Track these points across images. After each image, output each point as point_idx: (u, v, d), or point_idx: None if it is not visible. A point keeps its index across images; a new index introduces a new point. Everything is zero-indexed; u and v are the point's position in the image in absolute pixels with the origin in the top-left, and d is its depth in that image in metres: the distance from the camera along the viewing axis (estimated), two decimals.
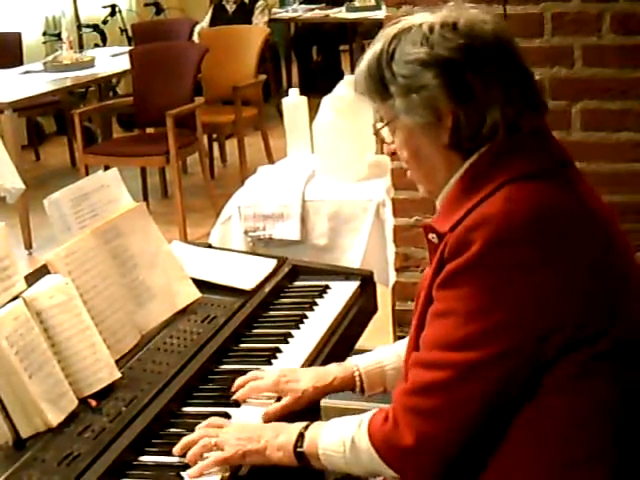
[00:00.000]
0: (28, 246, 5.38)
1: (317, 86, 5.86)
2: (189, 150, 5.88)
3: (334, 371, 1.98)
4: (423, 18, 1.65)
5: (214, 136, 6.88)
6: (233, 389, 1.94)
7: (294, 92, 3.33)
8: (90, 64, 6.48)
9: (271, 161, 6.27)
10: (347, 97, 3.13)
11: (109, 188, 2.28)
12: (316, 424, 1.74)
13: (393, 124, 1.69)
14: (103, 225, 2.17)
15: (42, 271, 2.00)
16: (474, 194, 1.60)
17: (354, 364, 1.99)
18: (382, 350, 2.04)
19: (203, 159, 6.07)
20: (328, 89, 4.55)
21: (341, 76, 9.20)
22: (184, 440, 1.74)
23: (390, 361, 1.99)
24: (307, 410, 1.94)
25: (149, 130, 6.22)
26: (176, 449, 1.73)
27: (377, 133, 1.78)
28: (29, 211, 5.25)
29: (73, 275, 1.98)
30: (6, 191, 3.91)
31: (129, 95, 7.01)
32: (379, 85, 1.66)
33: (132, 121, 7.59)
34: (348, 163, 3.16)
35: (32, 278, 1.95)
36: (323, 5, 9.22)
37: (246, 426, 1.79)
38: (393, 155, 1.75)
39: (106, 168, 6.43)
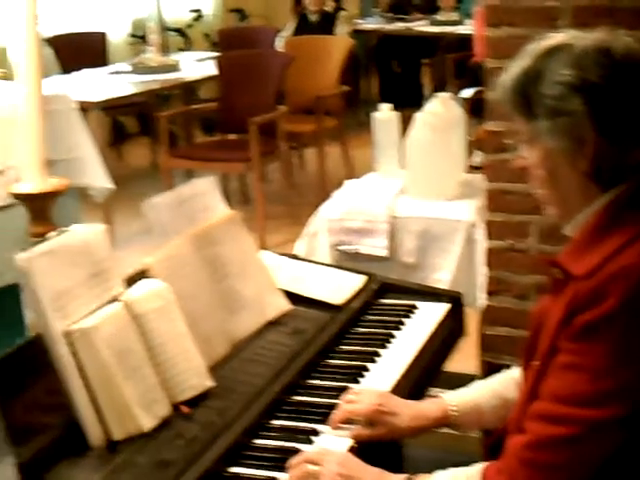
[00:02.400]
0: (112, 243, 5.41)
1: (396, 98, 5.87)
2: (270, 158, 5.90)
3: (430, 412, 1.94)
4: (575, 39, 1.59)
5: (293, 145, 6.89)
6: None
7: (385, 107, 3.32)
8: (175, 67, 6.53)
9: (350, 172, 6.29)
10: (440, 114, 3.12)
11: (205, 195, 2.30)
12: (422, 476, 1.70)
13: (532, 142, 1.64)
14: (199, 232, 2.18)
15: (140, 274, 2.02)
16: (612, 236, 1.55)
17: (450, 402, 1.96)
18: (478, 387, 2.00)
19: (284, 167, 6.09)
20: (407, 102, 4.56)
21: (420, 89, 9.29)
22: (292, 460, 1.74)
23: (487, 401, 1.96)
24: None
25: (231, 136, 6.24)
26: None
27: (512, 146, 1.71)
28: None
29: (170, 280, 1.99)
30: (95, 190, 3.95)
31: (212, 100, 7.06)
32: (524, 103, 1.61)
33: (214, 126, 7.65)
34: (439, 181, 3.14)
35: (130, 281, 1.97)
36: (406, 17, 9.21)
37: (349, 461, 1.74)
38: (523, 170, 1.69)
39: (187, 172, 6.54)
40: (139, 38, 8.29)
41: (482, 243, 2.95)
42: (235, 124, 5.94)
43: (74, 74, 6.44)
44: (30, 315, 3.69)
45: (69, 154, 3.79)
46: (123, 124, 8.10)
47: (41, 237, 3.37)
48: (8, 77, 4.25)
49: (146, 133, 7.93)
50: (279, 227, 5.67)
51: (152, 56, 6.65)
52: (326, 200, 3.30)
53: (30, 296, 1.74)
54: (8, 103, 3.65)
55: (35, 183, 3.36)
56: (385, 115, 3.30)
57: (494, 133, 2.79)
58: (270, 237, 5.50)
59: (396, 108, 3.39)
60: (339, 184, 3.46)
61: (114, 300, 1.86)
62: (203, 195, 2.28)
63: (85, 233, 1.89)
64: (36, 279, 1.72)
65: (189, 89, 7.17)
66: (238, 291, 2.22)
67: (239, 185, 6.51)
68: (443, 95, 3.20)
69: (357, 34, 8.91)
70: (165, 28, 8.59)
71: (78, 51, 7.07)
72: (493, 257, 2.87)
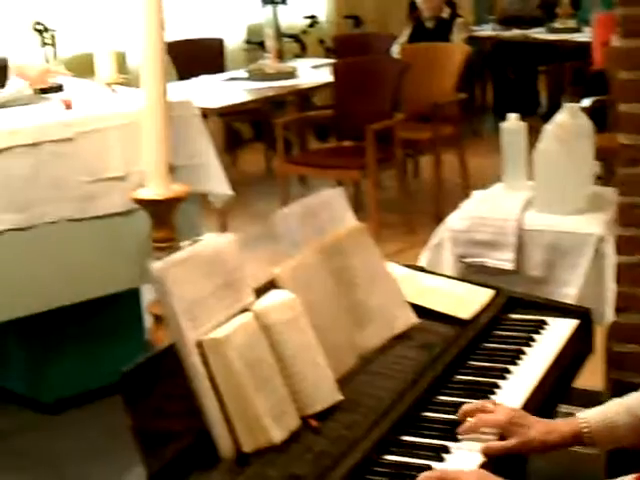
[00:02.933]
0: None
1: (511, 106, 5.79)
2: (385, 165, 5.87)
3: (563, 428, 1.90)
4: None
5: (409, 152, 6.85)
6: (459, 414, 1.90)
7: (513, 117, 3.26)
8: (292, 74, 6.55)
9: (466, 180, 6.23)
10: (569, 125, 3.05)
11: (333, 206, 2.29)
12: None
13: None
14: (327, 243, 2.17)
15: (269, 285, 2.01)
16: None
17: (583, 420, 1.91)
18: (613, 405, 1.95)
19: (398, 174, 6.06)
20: (522, 110, 4.47)
21: (536, 97, 9.15)
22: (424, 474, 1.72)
23: (622, 418, 1.90)
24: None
25: (346, 143, 6.23)
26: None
27: None
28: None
29: (299, 291, 1.98)
30: (215, 196, 3.97)
31: (326, 106, 7.07)
32: None
33: (328, 132, 7.66)
34: (568, 194, 3.06)
35: (260, 291, 1.96)
36: (522, 25, 9.09)
37: (488, 478, 1.72)
38: None
39: (301, 178, 6.57)
40: (255, 44, 8.34)
41: (611, 258, 2.88)
42: (351, 131, 5.94)
43: (192, 80, 6.51)
44: (148, 319, 3.76)
45: (191, 160, 3.82)
46: (238, 130, 8.15)
47: (163, 242, 3.43)
48: (128, 83, 4.31)
49: (260, 139, 7.98)
50: (393, 236, 5.63)
51: (269, 63, 6.68)
52: (441, 209, 3.26)
53: (164, 305, 1.73)
54: (130, 109, 3.70)
55: (158, 189, 3.41)
56: (513, 125, 3.24)
57: (627, 146, 2.72)
58: (384, 245, 5.42)
59: None
60: (454, 192, 3.41)
61: (245, 310, 1.86)
62: (331, 205, 2.27)
63: (217, 243, 1.88)
64: (170, 288, 1.71)
65: (304, 96, 7.18)
66: (366, 303, 2.20)
67: (353, 192, 6.49)
68: (571, 106, 3.12)
69: (471, 41, 8.82)
70: (280, 34, 8.64)
71: (195, 57, 7.13)
72: (622, 272, 2.80)
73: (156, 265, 1.71)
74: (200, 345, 1.73)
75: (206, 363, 1.74)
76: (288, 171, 5.81)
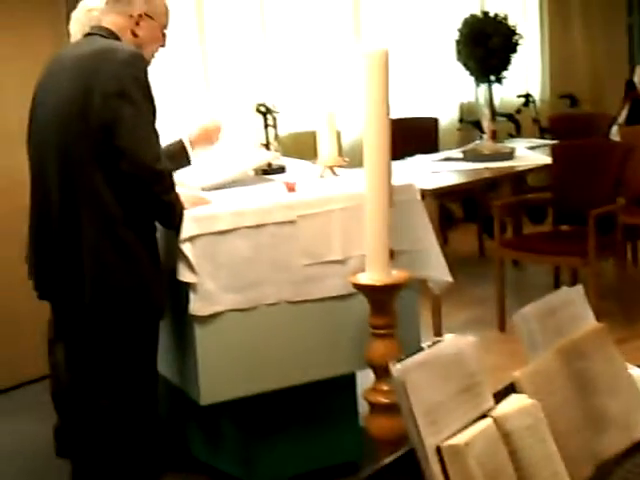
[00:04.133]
0: (438, 333, 5.43)
1: None
2: (607, 252, 5.66)
3: None
4: None
5: (628, 237, 6.60)
6: None
7: None
8: (509, 155, 6.45)
9: None
10: None
11: (574, 305, 2.19)
12: None
13: None
14: (567, 345, 2.06)
15: (508, 388, 1.92)
16: None
17: None
18: None
19: (619, 261, 5.84)
20: None
21: None
22: None
23: None
24: None
25: (563, 227, 6.07)
26: None
27: None
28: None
29: (538, 396, 1.88)
30: (435, 282, 3.90)
31: (540, 187, 6.93)
32: None
33: (543, 215, 7.50)
34: None
35: (498, 395, 1.88)
36: None
37: None
38: None
39: (514, 262, 6.42)
40: (468, 123, 8.30)
41: None
42: (569, 215, 5.78)
43: (407, 160, 6.51)
44: (363, 404, 3.70)
45: (413, 246, 3.78)
46: (450, 209, 8.10)
47: (382, 329, 3.39)
48: (348, 165, 4.33)
49: (472, 219, 7.89)
50: (611, 325, 5.38)
51: (486, 144, 6.61)
52: None
53: (402, 407, 1.67)
54: (352, 192, 3.70)
55: (378, 275, 3.37)
56: None
57: None
58: None
59: None
60: None
61: (484, 416, 1.77)
62: (572, 305, 2.17)
63: (458, 344, 1.81)
64: (411, 391, 1.65)
65: (519, 176, 7.07)
66: (605, 408, 2.08)
67: (568, 277, 6.29)
68: None
69: None
70: (495, 113, 8.58)
71: (410, 136, 7.11)
72: None
73: (396, 366, 1.65)
74: (439, 451, 1.66)
75: (444, 470, 1.66)
76: (502, 254, 5.69)
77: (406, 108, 7.87)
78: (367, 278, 3.39)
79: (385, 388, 3.30)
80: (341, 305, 3.68)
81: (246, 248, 3.53)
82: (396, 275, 3.39)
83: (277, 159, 4.27)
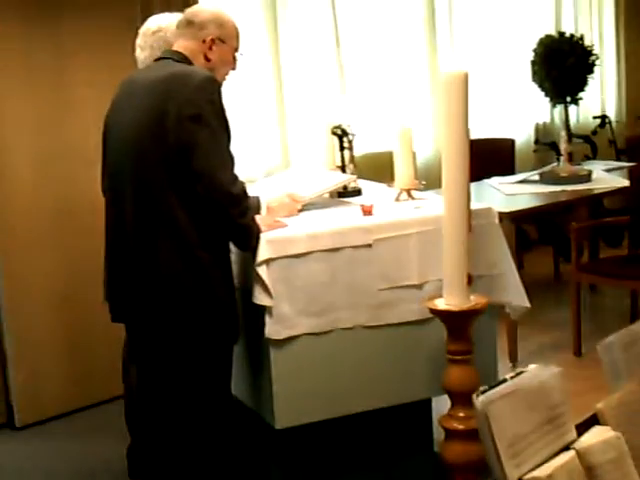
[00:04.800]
0: (513, 358, 5.38)
1: None
2: None
3: None
4: None
5: None
6: None
7: None
8: (587, 178, 6.36)
9: None
10: None
11: None
12: None
13: None
14: None
15: (590, 420, 1.89)
16: None
17: None
18: None
19: None
20: None
21: None
22: None
23: None
24: None
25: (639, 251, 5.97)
26: None
27: None
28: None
29: (622, 428, 1.85)
30: (512, 308, 3.86)
31: (616, 209, 6.83)
32: None
33: (619, 239, 7.40)
34: None
35: (580, 426, 1.85)
36: None
37: None
38: None
39: (591, 287, 6.30)
40: (544, 145, 8.22)
41: None
42: None
43: (483, 182, 6.47)
44: (438, 430, 3.67)
45: (491, 270, 3.74)
46: (526, 231, 8.02)
47: (459, 355, 3.35)
48: (427, 188, 4.31)
49: (547, 241, 7.80)
50: None
51: (563, 166, 6.54)
52: None
53: (485, 439, 1.65)
54: (429, 215, 3.68)
55: (456, 300, 3.33)
56: None
57: None
58: None
59: None
60: None
61: (566, 447, 1.75)
62: None
63: (541, 375, 1.79)
64: (493, 423, 1.64)
65: (595, 199, 6.98)
66: None
67: None
68: None
69: None
70: (571, 135, 8.49)
71: (487, 158, 7.03)
72: None
73: (480, 398, 1.64)
74: None
75: None
76: (579, 279, 5.61)
77: (482, 129, 7.82)
78: (445, 303, 3.36)
79: (461, 414, 3.26)
80: (417, 330, 3.65)
81: (322, 271, 3.52)
82: (474, 300, 3.36)
83: (353, 182, 4.26)
